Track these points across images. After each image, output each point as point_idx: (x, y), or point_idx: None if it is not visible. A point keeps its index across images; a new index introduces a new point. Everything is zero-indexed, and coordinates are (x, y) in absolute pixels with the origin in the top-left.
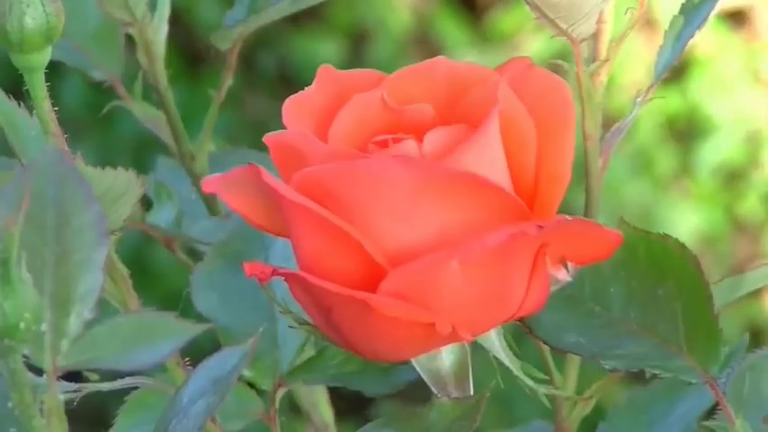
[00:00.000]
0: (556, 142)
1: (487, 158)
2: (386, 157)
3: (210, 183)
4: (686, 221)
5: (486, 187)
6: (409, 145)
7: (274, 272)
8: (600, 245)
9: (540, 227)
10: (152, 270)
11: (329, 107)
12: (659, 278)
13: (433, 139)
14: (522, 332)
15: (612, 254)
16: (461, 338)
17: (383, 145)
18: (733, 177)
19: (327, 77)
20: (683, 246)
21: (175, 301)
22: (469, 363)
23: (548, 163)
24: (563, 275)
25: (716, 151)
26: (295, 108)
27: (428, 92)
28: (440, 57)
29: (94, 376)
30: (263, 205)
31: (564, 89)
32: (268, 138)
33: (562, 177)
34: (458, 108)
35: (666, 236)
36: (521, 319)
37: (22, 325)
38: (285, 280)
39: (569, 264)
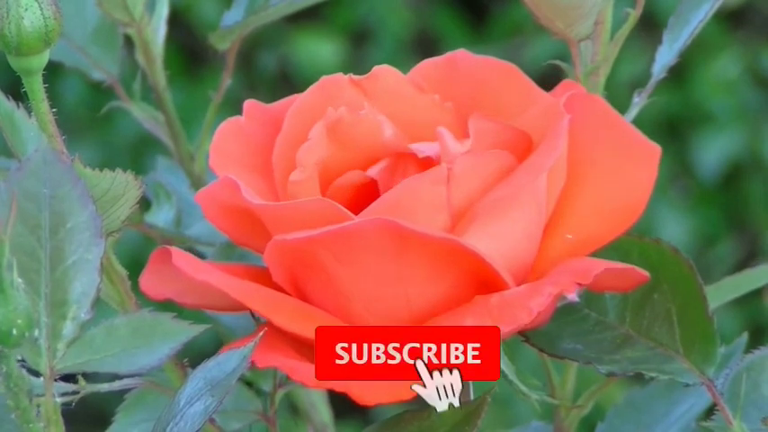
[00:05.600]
0: (632, 174)
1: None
2: (370, 222)
3: (154, 290)
4: (686, 221)
5: (474, 257)
6: (440, 172)
7: (254, 364)
8: (627, 282)
9: (579, 284)
10: None
11: (264, 135)
12: (654, 283)
13: (466, 167)
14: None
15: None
16: None
17: (392, 168)
18: (733, 177)
19: (256, 110)
20: (676, 249)
21: None
22: None
23: (617, 195)
24: (573, 296)
25: (716, 150)
26: (227, 138)
27: (448, 87)
28: (461, 50)
29: (83, 382)
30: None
31: (627, 124)
32: (198, 197)
33: (635, 210)
34: (485, 111)
35: (660, 240)
36: (520, 331)
37: (14, 331)
38: None
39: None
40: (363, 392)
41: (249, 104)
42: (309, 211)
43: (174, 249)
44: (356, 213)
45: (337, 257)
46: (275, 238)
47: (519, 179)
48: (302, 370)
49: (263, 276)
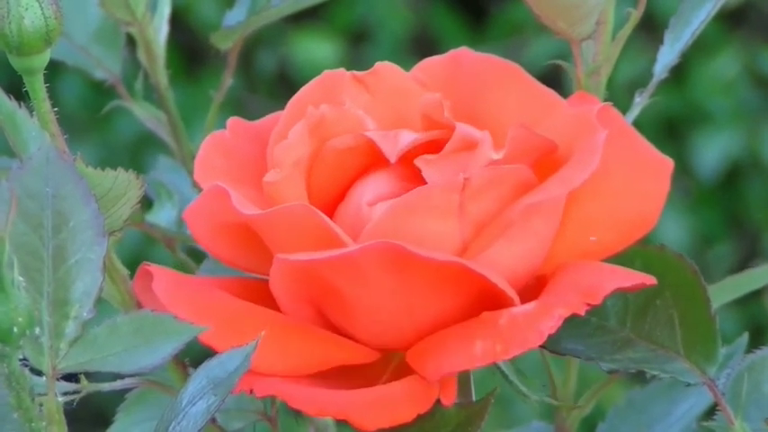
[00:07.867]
0: (645, 186)
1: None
2: (373, 247)
3: (149, 305)
4: (685, 221)
5: (477, 277)
6: (455, 181)
7: (252, 392)
8: (633, 288)
9: (589, 305)
10: None
11: (249, 150)
12: (657, 289)
13: (481, 181)
14: None
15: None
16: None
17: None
18: (732, 176)
19: (239, 126)
20: (680, 255)
21: None
22: None
23: (630, 206)
24: None
25: (715, 150)
26: (211, 152)
27: (451, 84)
28: (464, 48)
29: (85, 382)
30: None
31: (641, 137)
32: (186, 214)
33: (647, 222)
34: (482, 109)
35: (663, 247)
36: None
37: (15, 330)
38: None
39: None
40: (363, 418)
41: (233, 121)
42: (292, 215)
43: (156, 270)
44: (352, 179)
45: (339, 274)
46: (277, 257)
47: (551, 189)
48: (301, 396)
49: (260, 290)
